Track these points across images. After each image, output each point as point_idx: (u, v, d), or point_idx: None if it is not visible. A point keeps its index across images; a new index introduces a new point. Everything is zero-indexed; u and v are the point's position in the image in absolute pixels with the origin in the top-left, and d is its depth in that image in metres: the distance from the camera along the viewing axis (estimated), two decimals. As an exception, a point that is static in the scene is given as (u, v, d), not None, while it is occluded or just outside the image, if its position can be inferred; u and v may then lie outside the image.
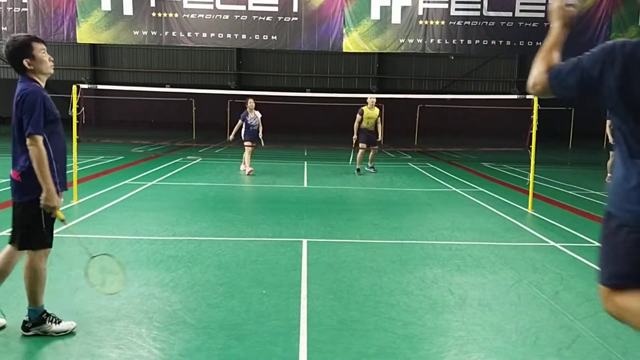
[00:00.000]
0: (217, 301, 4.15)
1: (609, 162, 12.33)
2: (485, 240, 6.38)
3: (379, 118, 12.45)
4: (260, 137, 11.96)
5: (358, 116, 12.19)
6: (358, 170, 12.39)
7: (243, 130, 11.93)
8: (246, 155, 12.03)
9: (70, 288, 4.33)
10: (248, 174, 11.69)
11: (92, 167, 12.29)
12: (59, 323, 3.49)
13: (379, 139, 12.56)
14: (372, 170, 12.69)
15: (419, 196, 9.52)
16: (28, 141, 3.27)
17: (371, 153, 12.69)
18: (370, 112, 12.29)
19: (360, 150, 12.45)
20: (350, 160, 13.47)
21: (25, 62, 3.47)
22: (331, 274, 4.88)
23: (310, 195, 9.34)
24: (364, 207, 8.85)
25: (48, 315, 3.49)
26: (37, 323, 3.44)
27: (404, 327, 3.74)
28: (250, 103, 11.81)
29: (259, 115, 11.91)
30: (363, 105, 12.28)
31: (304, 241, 6.00)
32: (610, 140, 12.22)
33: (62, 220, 3.53)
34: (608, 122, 12.58)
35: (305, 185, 10.66)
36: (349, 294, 4.39)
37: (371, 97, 12.42)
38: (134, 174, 11.39)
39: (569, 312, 4.08)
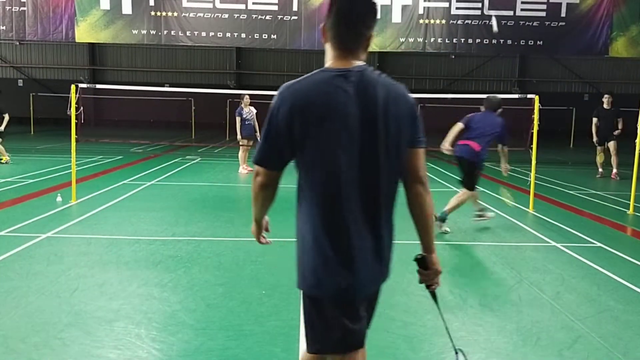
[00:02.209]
0: (216, 301, 4.13)
1: (598, 159, 12.66)
2: (486, 240, 6.36)
3: None
4: (257, 134, 11.94)
5: None
6: None
7: (239, 126, 11.91)
8: (241, 154, 12.01)
9: (70, 288, 4.31)
10: (246, 174, 11.66)
11: (90, 167, 12.27)
12: None
13: None
14: None
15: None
16: None
17: None
18: None
19: None
20: None
21: None
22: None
23: (310, 195, 9.30)
24: (364, 207, 8.81)
25: None
26: None
27: (404, 327, 3.73)
28: (246, 99, 11.84)
29: (254, 110, 11.90)
30: None
31: (304, 241, 5.97)
32: (595, 139, 12.66)
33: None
34: (594, 120, 12.77)
35: (305, 184, 10.63)
36: (349, 294, 4.36)
37: None
38: (133, 173, 11.37)
39: (570, 313, 4.06)
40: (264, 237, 2.47)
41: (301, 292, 2.08)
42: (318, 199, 1.96)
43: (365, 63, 2.01)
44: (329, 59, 2.01)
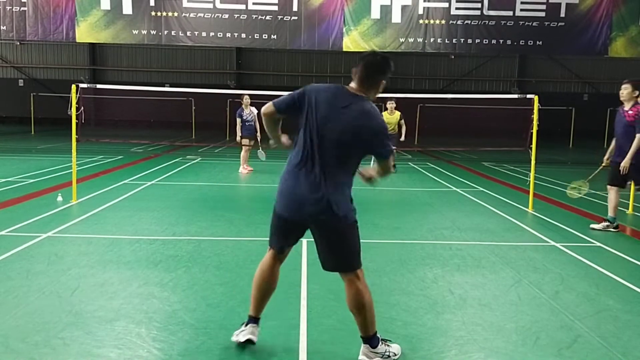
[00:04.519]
0: (216, 301, 4.15)
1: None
2: (486, 240, 6.37)
3: (402, 121, 12.43)
4: (258, 134, 11.93)
5: None
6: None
7: (240, 127, 11.91)
8: (243, 153, 12.03)
9: (70, 288, 4.32)
10: (247, 173, 11.67)
11: (91, 167, 12.28)
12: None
13: (401, 139, 12.52)
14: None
15: (419, 196, 9.51)
16: None
17: None
18: (390, 118, 12.20)
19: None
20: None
21: None
22: (331, 274, 4.85)
23: (310, 195, 9.31)
24: (364, 207, 8.82)
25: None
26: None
27: (404, 327, 3.74)
28: (246, 99, 11.81)
29: (255, 111, 11.82)
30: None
31: (304, 241, 5.96)
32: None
33: None
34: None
35: (305, 184, 10.63)
36: (349, 293, 4.37)
37: (390, 102, 12.30)
38: (133, 173, 11.38)
39: (569, 312, 4.07)
40: (287, 139, 3.43)
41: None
42: (294, 155, 3.11)
43: (369, 99, 3.10)
44: (352, 86, 3.11)
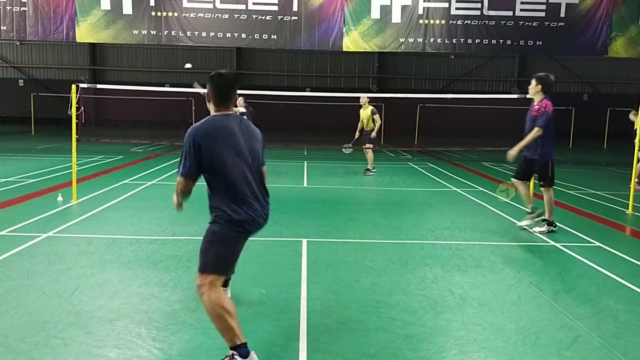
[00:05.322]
0: (216, 301, 4.14)
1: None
2: (486, 240, 6.37)
3: (376, 117, 12.00)
4: None
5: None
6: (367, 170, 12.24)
7: None
8: None
9: (70, 288, 4.32)
10: None
11: (91, 167, 12.28)
12: None
13: (372, 136, 12.04)
14: (367, 172, 12.21)
15: (419, 196, 9.51)
16: None
17: (366, 153, 12.38)
18: (363, 113, 12.12)
19: (346, 150, 12.74)
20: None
21: None
22: (331, 274, 4.88)
23: (310, 195, 9.33)
24: (364, 207, 8.84)
25: None
26: None
27: (404, 327, 3.74)
28: (239, 101, 11.08)
29: (241, 109, 10.96)
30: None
31: (304, 241, 5.99)
32: None
33: None
34: None
35: (305, 184, 10.65)
36: (349, 294, 4.38)
37: (362, 97, 12.13)
38: (134, 173, 11.38)
39: (569, 312, 4.07)
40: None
41: None
42: (230, 192, 3.35)
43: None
44: (213, 111, 3.41)
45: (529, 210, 6.88)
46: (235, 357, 3.05)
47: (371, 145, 12.21)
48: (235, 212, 3.20)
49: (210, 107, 3.44)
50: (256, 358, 3.08)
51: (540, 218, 6.79)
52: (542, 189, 6.83)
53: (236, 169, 3.16)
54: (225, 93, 3.39)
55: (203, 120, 3.31)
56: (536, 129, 6.51)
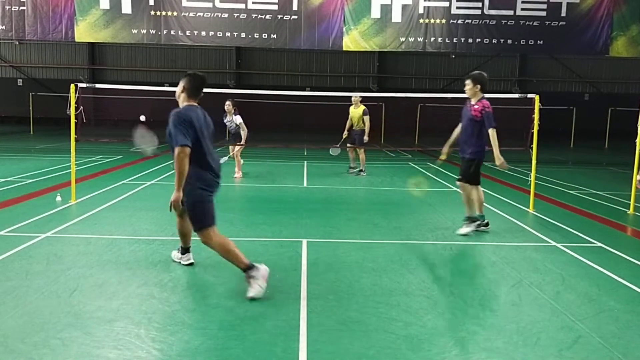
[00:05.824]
0: (216, 301, 4.13)
1: None
2: (486, 240, 6.35)
3: (366, 117, 11.71)
4: (242, 143, 11.01)
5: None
6: (350, 168, 12.24)
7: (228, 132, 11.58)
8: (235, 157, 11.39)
9: (69, 288, 4.31)
10: (237, 179, 11.00)
11: (90, 167, 12.27)
12: None
13: (365, 140, 11.81)
14: (354, 172, 12.12)
15: (419, 196, 9.49)
16: None
17: (359, 154, 12.26)
18: (354, 112, 11.88)
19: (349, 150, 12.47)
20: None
21: None
22: (331, 274, 4.86)
23: (310, 195, 9.31)
24: (364, 207, 8.82)
25: None
26: None
27: (404, 327, 3.72)
28: (227, 106, 10.98)
29: (238, 120, 10.94)
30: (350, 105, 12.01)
31: (304, 241, 5.97)
32: None
33: None
34: None
35: (305, 185, 10.64)
36: (349, 294, 4.37)
37: (355, 95, 11.91)
38: (133, 173, 11.36)
39: (570, 313, 4.05)
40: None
41: None
42: (208, 161, 4.44)
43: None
44: (185, 102, 4.61)
45: (478, 218, 6.60)
46: (250, 272, 4.19)
47: (363, 146, 12.09)
48: (208, 178, 4.28)
49: (183, 98, 4.64)
50: (266, 267, 4.26)
51: (476, 224, 6.55)
52: (458, 183, 6.68)
53: (206, 144, 4.29)
54: (199, 90, 4.72)
55: (184, 107, 4.51)
56: (491, 130, 6.57)
